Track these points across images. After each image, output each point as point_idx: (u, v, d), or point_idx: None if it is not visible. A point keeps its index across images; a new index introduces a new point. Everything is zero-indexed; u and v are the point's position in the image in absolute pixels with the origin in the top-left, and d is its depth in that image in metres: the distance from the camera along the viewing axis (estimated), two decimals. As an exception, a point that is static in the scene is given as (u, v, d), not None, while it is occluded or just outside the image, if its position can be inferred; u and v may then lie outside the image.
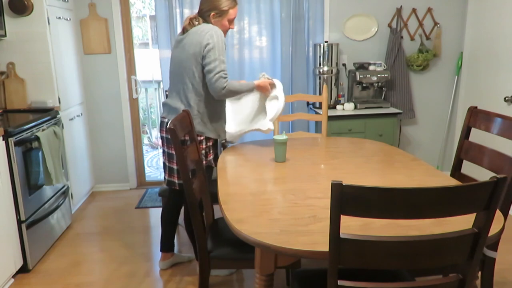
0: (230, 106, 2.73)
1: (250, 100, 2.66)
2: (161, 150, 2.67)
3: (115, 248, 3.05)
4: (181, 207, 2.73)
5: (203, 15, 2.41)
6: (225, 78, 2.32)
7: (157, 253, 2.94)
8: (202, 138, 2.46)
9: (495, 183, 1.15)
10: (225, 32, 2.44)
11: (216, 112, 2.50)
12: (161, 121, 2.54)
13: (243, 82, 2.52)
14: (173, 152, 2.46)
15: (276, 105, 2.56)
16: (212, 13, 2.38)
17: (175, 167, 2.49)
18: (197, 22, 2.40)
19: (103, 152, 4.17)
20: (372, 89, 3.97)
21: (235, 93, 2.44)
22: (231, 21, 2.45)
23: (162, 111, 2.59)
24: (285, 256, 1.57)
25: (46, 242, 2.98)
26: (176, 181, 2.50)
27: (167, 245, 2.74)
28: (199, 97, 2.42)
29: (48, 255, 2.96)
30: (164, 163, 2.56)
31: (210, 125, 2.48)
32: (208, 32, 2.31)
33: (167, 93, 3.60)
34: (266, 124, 2.60)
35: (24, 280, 2.66)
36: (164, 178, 2.58)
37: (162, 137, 2.54)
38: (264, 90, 2.57)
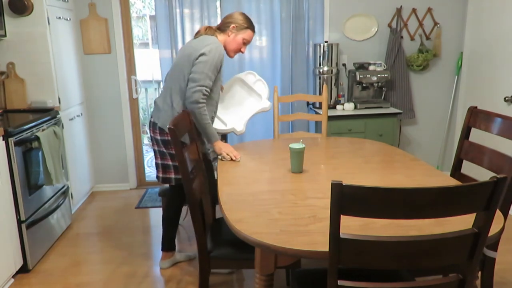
0: (221, 105, 2.83)
1: (236, 92, 2.85)
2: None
3: (115, 248, 3.04)
4: (182, 206, 2.73)
5: (224, 26, 2.49)
6: (204, 96, 2.31)
7: (157, 253, 2.94)
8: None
9: (495, 183, 1.15)
10: (235, 50, 2.51)
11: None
12: (149, 121, 2.54)
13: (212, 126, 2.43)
14: (165, 150, 2.47)
15: (263, 85, 2.80)
16: (233, 25, 2.46)
17: (170, 163, 2.49)
18: (210, 32, 2.47)
19: (103, 152, 4.18)
20: (372, 89, 3.97)
21: (199, 121, 2.34)
22: (245, 42, 2.52)
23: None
24: (285, 256, 1.57)
25: (46, 242, 2.98)
26: (173, 177, 2.51)
27: (168, 245, 2.74)
28: (183, 101, 2.41)
29: (48, 255, 2.96)
30: (156, 163, 2.56)
31: None
32: (210, 44, 2.33)
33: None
34: (265, 103, 2.82)
35: (24, 280, 2.66)
36: (157, 176, 2.57)
37: (151, 137, 2.54)
38: (217, 150, 2.40)
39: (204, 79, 2.29)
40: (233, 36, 2.47)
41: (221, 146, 2.39)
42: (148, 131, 2.57)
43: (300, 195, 1.81)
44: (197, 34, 2.51)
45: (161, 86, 4.39)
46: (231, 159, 2.36)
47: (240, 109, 2.88)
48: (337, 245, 1.19)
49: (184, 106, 2.40)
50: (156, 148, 2.52)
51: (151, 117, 2.53)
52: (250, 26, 2.50)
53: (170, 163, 2.50)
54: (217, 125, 2.81)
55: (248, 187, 1.94)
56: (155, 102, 2.54)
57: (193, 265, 2.78)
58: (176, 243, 2.80)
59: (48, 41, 3.25)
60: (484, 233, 1.22)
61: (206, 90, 2.31)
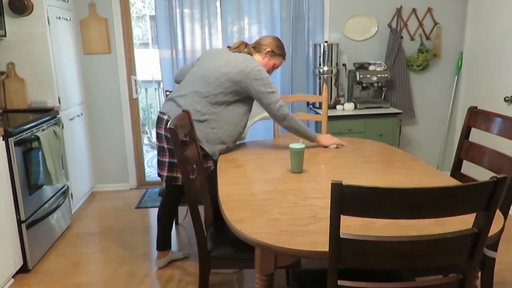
0: None
1: None
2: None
3: (115, 248, 3.05)
4: (178, 205, 2.73)
5: (259, 47, 2.57)
6: (285, 107, 2.45)
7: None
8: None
9: (495, 183, 1.15)
10: None
11: (222, 132, 2.48)
12: (160, 118, 2.51)
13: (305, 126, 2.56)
14: (164, 145, 2.46)
15: None
16: (269, 49, 2.55)
17: (166, 159, 2.48)
18: (247, 50, 2.56)
19: (103, 152, 4.18)
20: (372, 89, 3.97)
21: (297, 129, 2.48)
22: (275, 67, 2.64)
23: (162, 107, 2.56)
24: (285, 256, 1.57)
25: (46, 242, 2.98)
26: (180, 176, 2.48)
27: (163, 244, 2.73)
28: (214, 109, 2.44)
29: (48, 255, 2.97)
30: (160, 160, 2.54)
31: (210, 136, 2.46)
32: (256, 67, 2.41)
33: (167, 92, 3.60)
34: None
35: (24, 280, 2.66)
36: (161, 175, 2.54)
37: (160, 134, 2.50)
38: (324, 143, 2.58)
39: (274, 96, 2.42)
40: (267, 60, 2.57)
41: (324, 140, 2.56)
42: (156, 129, 2.54)
43: (300, 195, 1.81)
44: (235, 49, 2.56)
45: (161, 86, 4.39)
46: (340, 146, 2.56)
47: None
48: (337, 245, 1.19)
49: (212, 115, 2.43)
50: (165, 145, 2.49)
51: (163, 114, 2.48)
52: (283, 53, 2.62)
53: (166, 159, 2.48)
54: None
55: (248, 187, 1.94)
56: (172, 99, 2.50)
57: (193, 265, 2.78)
58: (176, 243, 2.81)
59: (48, 41, 3.25)
60: (484, 233, 1.22)
61: (281, 101, 2.44)
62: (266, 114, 2.88)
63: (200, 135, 2.40)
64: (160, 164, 2.55)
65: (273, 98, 2.41)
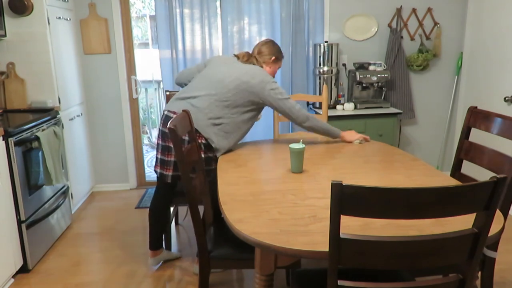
0: None
1: None
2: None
3: (115, 248, 3.05)
4: (170, 204, 2.72)
5: (263, 57, 2.63)
6: (302, 108, 2.52)
7: (157, 253, 2.94)
8: (202, 140, 2.45)
9: (495, 183, 1.15)
10: None
11: (232, 137, 2.52)
12: (169, 117, 2.47)
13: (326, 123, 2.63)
14: (170, 145, 2.45)
15: None
16: (273, 57, 2.63)
17: (172, 159, 2.48)
18: (259, 64, 2.63)
19: (103, 152, 4.18)
20: (372, 89, 3.97)
21: (320, 128, 2.56)
22: (276, 71, 2.72)
23: (170, 105, 2.53)
24: (285, 256, 1.57)
25: (46, 242, 2.98)
26: (170, 174, 2.49)
27: (154, 243, 2.71)
28: (230, 114, 2.47)
29: (48, 255, 2.97)
30: (165, 160, 2.52)
31: (220, 139, 2.48)
32: (271, 80, 2.49)
33: (167, 93, 3.59)
34: None
35: (24, 280, 2.66)
36: (155, 171, 2.56)
37: (166, 133, 2.47)
38: (348, 139, 2.67)
39: (291, 101, 2.50)
40: (274, 67, 2.67)
41: (348, 136, 2.65)
42: (163, 127, 2.52)
43: (300, 195, 1.81)
44: (246, 61, 2.60)
45: (161, 86, 4.38)
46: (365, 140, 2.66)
47: None
48: (337, 245, 1.19)
49: (225, 115, 2.46)
50: (160, 142, 2.50)
51: (173, 113, 2.47)
52: (282, 56, 2.72)
53: (172, 159, 2.48)
54: None
55: (248, 187, 1.94)
56: (185, 100, 2.49)
57: (192, 265, 2.78)
58: (176, 243, 2.80)
59: (48, 41, 3.25)
60: (484, 233, 1.22)
61: (298, 104, 2.52)
62: None
63: (213, 137, 2.43)
64: (163, 163, 2.53)
65: (292, 103, 2.49)
